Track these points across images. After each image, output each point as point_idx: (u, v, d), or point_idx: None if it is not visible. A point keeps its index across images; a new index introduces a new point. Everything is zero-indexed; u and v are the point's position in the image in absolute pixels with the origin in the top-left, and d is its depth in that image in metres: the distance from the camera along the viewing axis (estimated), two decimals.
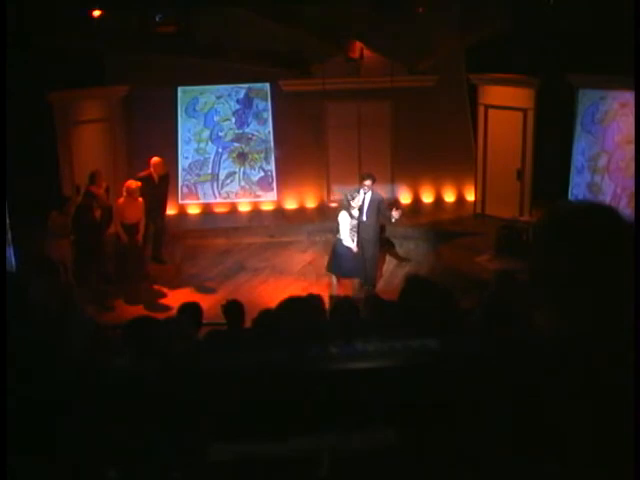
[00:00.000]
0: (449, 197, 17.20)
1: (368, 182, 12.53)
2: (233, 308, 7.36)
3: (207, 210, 17.16)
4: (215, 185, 17.20)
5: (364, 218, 12.64)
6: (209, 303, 10.10)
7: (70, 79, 14.00)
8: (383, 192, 15.67)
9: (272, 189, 17.25)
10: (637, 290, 2.09)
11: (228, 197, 17.26)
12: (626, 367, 2.04)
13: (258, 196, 17.28)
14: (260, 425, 2.30)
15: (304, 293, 6.80)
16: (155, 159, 14.12)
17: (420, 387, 2.32)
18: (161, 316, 8.62)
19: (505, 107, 15.51)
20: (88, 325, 8.01)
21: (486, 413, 2.30)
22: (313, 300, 6.34)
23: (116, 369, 2.53)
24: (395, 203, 13.79)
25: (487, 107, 15.83)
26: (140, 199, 13.23)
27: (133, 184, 13.16)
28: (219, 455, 2.29)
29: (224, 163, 17.17)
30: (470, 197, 16.83)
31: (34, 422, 2.27)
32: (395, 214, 12.39)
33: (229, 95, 17.02)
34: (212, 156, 17.13)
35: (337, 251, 12.24)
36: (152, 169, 14.05)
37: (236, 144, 17.15)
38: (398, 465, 2.30)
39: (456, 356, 2.47)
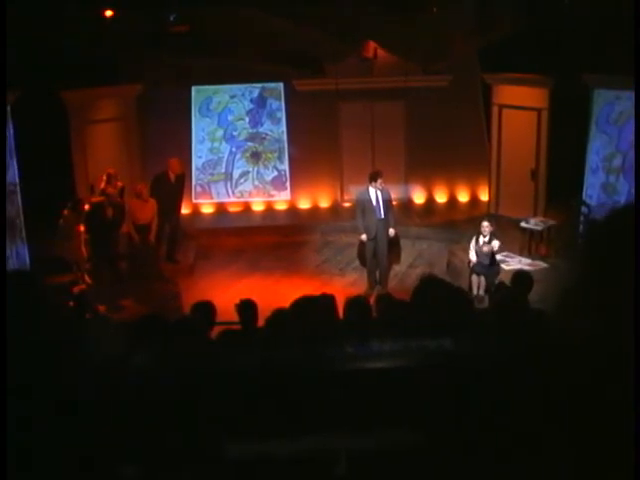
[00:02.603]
0: (463, 197, 17.17)
1: (380, 180, 12.70)
2: (246, 307, 7.35)
3: (221, 209, 17.19)
4: (229, 184, 17.23)
5: (382, 216, 12.73)
6: (222, 302, 10.09)
7: (84, 78, 14.03)
8: (397, 192, 15.71)
9: (286, 188, 17.26)
10: (637, 290, 2.07)
11: (242, 196, 17.28)
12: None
13: (272, 195, 17.29)
14: (275, 425, 2.29)
15: (317, 293, 6.79)
16: (172, 158, 14.20)
17: (435, 387, 2.31)
18: (174, 315, 8.64)
19: (519, 107, 15.46)
20: (104, 324, 8.04)
21: (500, 413, 2.29)
22: (326, 300, 6.34)
23: (130, 368, 2.53)
24: None
25: (501, 107, 15.79)
26: (152, 200, 13.32)
27: (140, 186, 13.34)
28: (235, 454, 2.29)
29: (238, 162, 17.20)
30: (484, 197, 16.80)
31: (50, 423, 2.27)
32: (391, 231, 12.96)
33: (243, 94, 17.04)
34: (226, 155, 17.16)
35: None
36: (168, 168, 14.11)
37: (250, 143, 17.18)
38: (413, 464, 2.30)
39: (470, 356, 2.46)
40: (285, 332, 5.72)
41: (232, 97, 17.04)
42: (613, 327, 2.10)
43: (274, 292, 12.62)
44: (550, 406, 2.20)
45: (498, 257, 12.54)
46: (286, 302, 6.12)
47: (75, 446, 2.27)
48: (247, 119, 17.11)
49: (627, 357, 2.05)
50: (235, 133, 17.14)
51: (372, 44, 15.88)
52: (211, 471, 2.33)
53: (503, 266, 12.63)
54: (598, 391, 2.09)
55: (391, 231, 12.97)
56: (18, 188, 12.57)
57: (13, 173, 12.45)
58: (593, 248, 2.19)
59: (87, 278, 12.59)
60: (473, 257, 12.30)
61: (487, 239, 12.23)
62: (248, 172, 17.24)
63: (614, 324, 2.10)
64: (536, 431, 2.22)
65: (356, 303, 6.24)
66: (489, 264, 12.26)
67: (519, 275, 8.12)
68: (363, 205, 12.87)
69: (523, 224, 14.08)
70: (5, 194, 11.85)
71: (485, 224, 12.35)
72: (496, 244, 12.23)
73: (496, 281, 11.59)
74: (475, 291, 12.12)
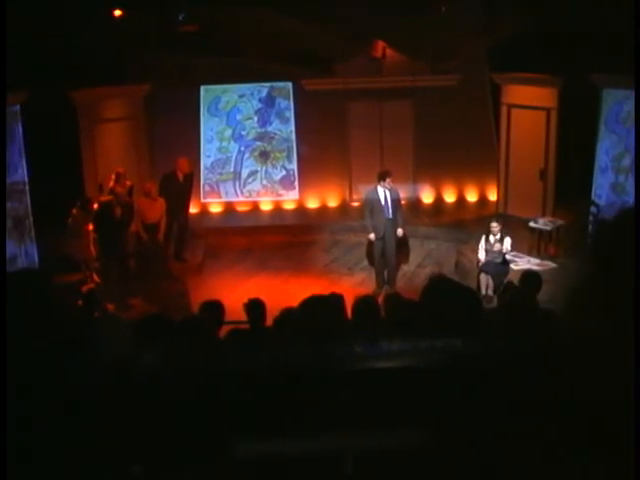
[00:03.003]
0: (471, 197, 17.14)
1: (389, 179, 12.69)
2: (255, 307, 7.35)
3: (229, 209, 17.20)
4: (237, 184, 17.24)
5: (390, 215, 12.73)
6: (231, 301, 10.13)
7: (93, 78, 14.05)
8: (405, 191, 15.70)
9: (294, 188, 17.26)
10: (637, 290, 2.07)
11: (250, 196, 17.29)
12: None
13: (280, 195, 17.30)
14: (283, 424, 2.29)
15: (326, 292, 6.79)
16: (181, 158, 14.22)
17: (443, 387, 2.31)
18: (182, 314, 8.65)
19: (528, 107, 15.43)
20: (113, 323, 8.05)
21: (508, 413, 2.29)
22: (335, 299, 6.32)
23: (139, 367, 2.53)
24: None
25: (510, 106, 15.75)
26: (160, 199, 13.36)
27: (148, 185, 13.39)
28: (243, 454, 2.29)
29: (246, 162, 17.21)
30: (492, 197, 16.77)
31: (57, 422, 2.27)
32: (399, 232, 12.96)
33: (251, 94, 17.05)
34: (234, 155, 17.17)
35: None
36: (177, 167, 14.13)
37: (258, 143, 17.19)
38: (421, 464, 2.29)
39: (479, 356, 2.46)
40: (293, 332, 5.72)
41: (241, 96, 17.05)
42: (621, 327, 2.10)
43: (282, 291, 12.63)
44: (557, 405, 2.20)
45: (507, 257, 12.51)
46: (294, 301, 6.10)
47: (82, 446, 2.28)
48: (256, 118, 17.12)
49: (630, 357, 2.05)
50: (244, 132, 17.15)
51: (381, 43, 15.86)
52: (219, 471, 2.33)
53: (512, 266, 12.60)
54: (603, 391, 2.09)
55: (399, 231, 12.96)
56: (27, 187, 12.60)
57: (22, 172, 12.49)
58: (602, 248, 2.19)
59: (96, 277, 12.63)
60: (482, 256, 12.29)
61: (498, 237, 12.22)
62: (256, 171, 17.25)
63: (622, 324, 2.10)
64: (543, 431, 2.21)
65: (364, 303, 6.23)
66: (500, 263, 12.24)
67: (528, 275, 8.09)
68: (372, 204, 12.87)
69: (532, 224, 14.05)
70: (5, 194, 11.87)
71: (494, 224, 12.34)
72: (508, 241, 12.22)
73: (505, 281, 11.56)
74: (484, 291, 12.09)
